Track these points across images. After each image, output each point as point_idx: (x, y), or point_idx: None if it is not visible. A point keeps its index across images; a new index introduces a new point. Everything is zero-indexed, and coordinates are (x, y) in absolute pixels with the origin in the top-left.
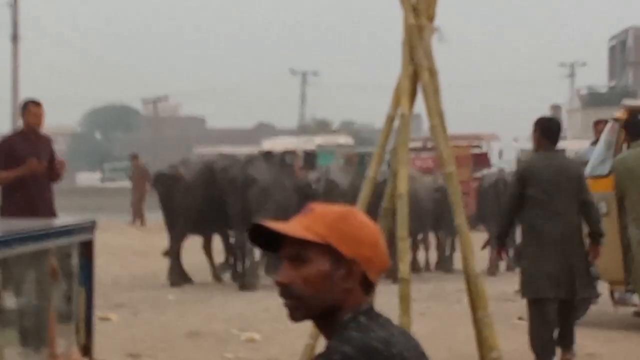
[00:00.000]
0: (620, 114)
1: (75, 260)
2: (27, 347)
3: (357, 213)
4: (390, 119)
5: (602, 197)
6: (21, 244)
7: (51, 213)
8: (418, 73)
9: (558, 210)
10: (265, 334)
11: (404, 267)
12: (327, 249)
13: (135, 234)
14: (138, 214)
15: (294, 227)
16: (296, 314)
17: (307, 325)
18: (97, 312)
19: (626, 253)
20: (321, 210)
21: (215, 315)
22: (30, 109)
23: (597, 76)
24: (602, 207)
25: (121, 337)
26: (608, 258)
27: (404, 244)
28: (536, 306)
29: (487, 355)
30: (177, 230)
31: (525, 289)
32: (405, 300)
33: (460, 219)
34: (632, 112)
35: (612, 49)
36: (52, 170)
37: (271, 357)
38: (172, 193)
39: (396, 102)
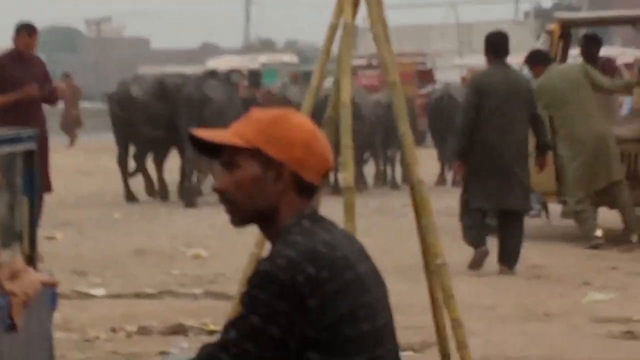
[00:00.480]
0: (554, 26)
1: (18, 170)
2: None
3: (292, 115)
4: (332, 28)
5: None
6: None
7: (44, 138)
8: None
9: (508, 123)
10: (211, 250)
11: (347, 176)
12: (256, 153)
13: (77, 154)
14: (70, 134)
15: (223, 134)
16: (235, 219)
17: (253, 241)
18: (43, 232)
19: (558, 167)
20: (256, 115)
21: (161, 232)
22: (22, 36)
23: None
24: None
25: (67, 255)
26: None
27: (348, 152)
28: (470, 212)
29: (431, 262)
30: (138, 149)
31: (465, 194)
32: (349, 209)
33: (404, 127)
34: (565, 24)
35: None
36: (50, 94)
37: (217, 272)
38: (126, 112)
39: (339, 11)
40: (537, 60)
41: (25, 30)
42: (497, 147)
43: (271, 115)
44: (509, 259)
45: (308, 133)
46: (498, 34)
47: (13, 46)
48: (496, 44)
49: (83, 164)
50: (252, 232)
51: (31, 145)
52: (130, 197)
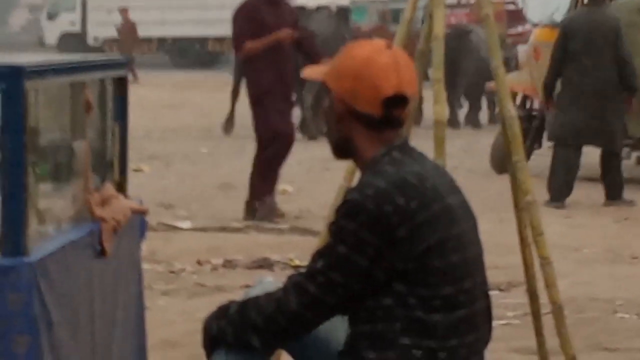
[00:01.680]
0: None
1: (109, 95)
2: (61, 181)
3: (359, 46)
4: None
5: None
6: (55, 75)
7: (292, 90)
8: None
9: (592, 64)
10: (297, 186)
11: (439, 109)
12: (327, 85)
13: (164, 88)
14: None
15: (316, 68)
16: (331, 149)
17: (339, 178)
18: (130, 164)
19: None
20: (347, 47)
21: (247, 167)
22: None
23: None
24: None
25: (154, 188)
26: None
27: (439, 86)
28: (560, 151)
29: (521, 199)
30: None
31: (553, 134)
32: (440, 143)
33: (497, 61)
34: None
35: None
36: (303, 42)
37: (303, 208)
38: None
39: None
40: None
41: None
42: (582, 87)
43: (345, 48)
44: (612, 193)
45: (360, 63)
46: None
47: None
48: None
49: (170, 98)
50: (340, 168)
51: (122, 72)
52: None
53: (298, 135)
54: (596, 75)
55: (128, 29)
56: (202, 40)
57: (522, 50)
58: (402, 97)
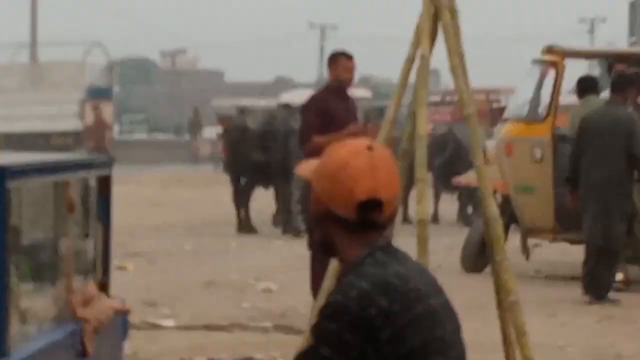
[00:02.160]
0: (548, 56)
1: (93, 195)
2: (43, 281)
3: (340, 146)
4: (409, 60)
5: (537, 143)
6: (39, 174)
7: None
8: (439, 13)
9: (602, 161)
10: (281, 284)
11: (421, 209)
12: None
13: (148, 185)
14: None
15: (308, 166)
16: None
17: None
18: (114, 261)
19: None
20: (331, 146)
21: (231, 265)
22: (341, 62)
23: (617, 32)
24: (537, 153)
25: (137, 286)
26: (536, 205)
27: (422, 185)
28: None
29: (505, 299)
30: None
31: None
32: (422, 242)
33: (480, 160)
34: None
35: (632, 5)
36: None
37: (287, 307)
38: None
39: (416, 43)
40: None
41: (343, 56)
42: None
43: (330, 148)
44: (598, 293)
45: (336, 165)
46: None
47: (330, 77)
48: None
49: (154, 195)
50: None
51: (106, 171)
52: (244, 228)
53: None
54: (602, 171)
55: None
56: (46, 136)
57: (489, 145)
58: (377, 202)
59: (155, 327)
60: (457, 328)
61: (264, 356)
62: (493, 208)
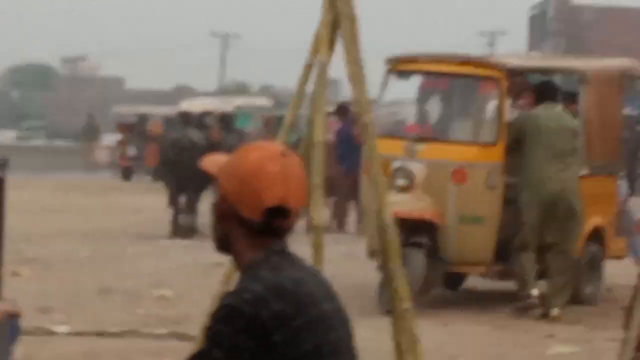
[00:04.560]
0: (488, 71)
1: None
2: None
3: (253, 149)
4: (307, 67)
5: (493, 169)
6: None
7: None
8: (338, 21)
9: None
10: (177, 291)
11: (316, 216)
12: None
13: (45, 191)
14: None
15: (215, 160)
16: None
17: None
18: (8, 267)
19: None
20: (245, 147)
21: (128, 272)
22: None
23: (517, 45)
24: (491, 180)
25: (32, 292)
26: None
27: (317, 192)
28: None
29: (397, 306)
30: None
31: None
32: (318, 249)
33: (375, 167)
34: (510, 72)
35: (532, 18)
36: None
37: (183, 314)
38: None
39: (315, 51)
40: None
41: None
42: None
43: (244, 148)
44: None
45: (249, 167)
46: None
47: None
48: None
49: (50, 202)
50: (219, 273)
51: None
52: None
53: (176, 239)
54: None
55: None
56: None
57: (414, 167)
58: (285, 209)
59: (49, 332)
60: (349, 334)
61: None
62: (386, 216)
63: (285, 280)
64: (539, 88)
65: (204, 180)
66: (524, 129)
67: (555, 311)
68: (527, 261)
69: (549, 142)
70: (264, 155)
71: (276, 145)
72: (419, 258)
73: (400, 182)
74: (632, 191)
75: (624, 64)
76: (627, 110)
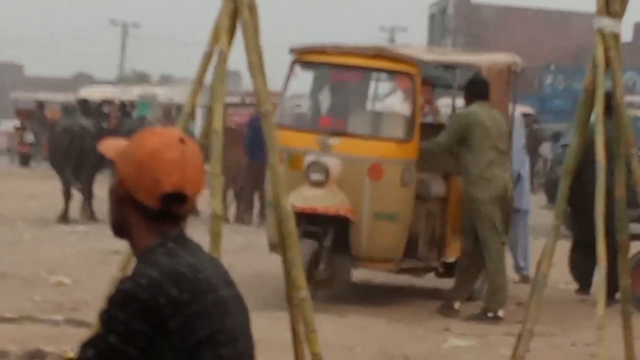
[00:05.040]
0: (401, 66)
1: None
2: None
3: (151, 134)
4: (207, 56)
5: (407, 166)
6: None
7: None
8: (238, 9)
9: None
10: (75, 278)
11: (215, 204)
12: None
13: None
14: None
15: (113, 145)
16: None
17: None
18: None
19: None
20: (144, 132)
21: (24, 258)
22: None
23: (416, 42)
24: (406, 177)
25: None
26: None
27: (217, 180)
28: None
29: (295, 295)
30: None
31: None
32: (216, 237)
33: (275, 159)
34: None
35: (432, 16)
36: None
37: (80, 300)
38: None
39: (215, 39)
40: None
41: None
42: None
43: (142, 133)
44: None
45: (146, 153)
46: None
47: None
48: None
49: None
50: (117, 260)
51: None
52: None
53: (70, 226)
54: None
55: None
56: None
57: (329, 162)
58: (182, 195)
59: None
60: (246, 321)
61: (54, 349)
62: (286, 205)
63: (182, 266)
64: (472, 86)
65: (96, 166)
66: (467, 126)
67: (457, 304)
68: (471, 277)
69: (492, 142)
70: (162, 141)
71: (174, 132)
72: (309, 245)
73: (315, 176)
74: (531, 189)
75: (510, 59)
76: (526, 109)
